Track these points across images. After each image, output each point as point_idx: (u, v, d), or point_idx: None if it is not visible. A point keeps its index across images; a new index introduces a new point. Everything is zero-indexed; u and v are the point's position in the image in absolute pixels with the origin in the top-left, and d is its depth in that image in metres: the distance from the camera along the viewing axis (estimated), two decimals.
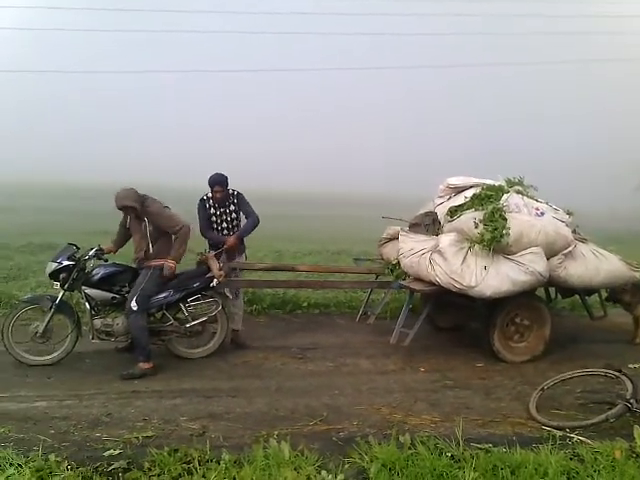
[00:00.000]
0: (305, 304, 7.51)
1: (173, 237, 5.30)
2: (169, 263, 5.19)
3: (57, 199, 27.32)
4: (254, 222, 5.92)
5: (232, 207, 5.93)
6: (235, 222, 5.98)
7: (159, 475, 3.24)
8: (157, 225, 5.23)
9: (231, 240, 5.78)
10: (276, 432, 3.82)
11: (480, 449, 3.61)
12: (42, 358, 5.14)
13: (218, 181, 5.79)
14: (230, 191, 5.90)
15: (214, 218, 5.93)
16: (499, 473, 3.34)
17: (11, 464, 3.22)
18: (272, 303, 7.43)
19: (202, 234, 5.95)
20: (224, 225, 5.94)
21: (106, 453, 3.45)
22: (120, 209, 5.26)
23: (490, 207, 5.38)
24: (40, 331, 5.09)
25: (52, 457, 3.30)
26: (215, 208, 5.91)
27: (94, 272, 5.20)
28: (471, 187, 6.06)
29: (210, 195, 5.88)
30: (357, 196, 34.75)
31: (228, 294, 5.74)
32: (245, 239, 6.10)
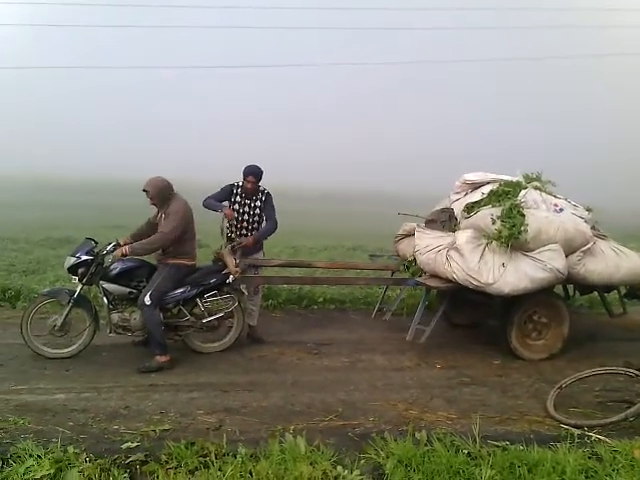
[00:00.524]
0: (321, 300, 7.52)
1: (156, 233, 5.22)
2: (118, 251, 5.10)
3: (74, 194, 27.58)
4: (272, 228, 5.91)
5: (258, 203, 5.91)
6: (256, 218, 5.94)
7: (176, 468, 3.26)
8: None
9: (249, 241, 5.76)
10: (292, 427, 3.83)
11: (497, 447, 3.59)
12: (60, 351, 5.20)
13: (253, 172, 5.78)
14: (261, 187, 5.90)
15: (237, 207, 5.90)
16: (516, 471, 3.32)
17: (30, 455, 3.25)
18: (288, 298, 7.45)
19: (203, 202, 5.83)
20: (245, 217, 5.92)
21: (124, 445, 3.47)
22: (151, 198, 5.23)
23: (508, 203, 5.33)
24: (58, 324, 5.14)
25: (71, 449, 3.32)
26: (242, 197, 5.89)
27: (112, 267, 5.23)
28: (488, 183, 6.02)
29: (241, 184, 5.87)
30: (372, 192, 34.67)
31: (244, 290, 5.76)
32: None
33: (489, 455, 3.45)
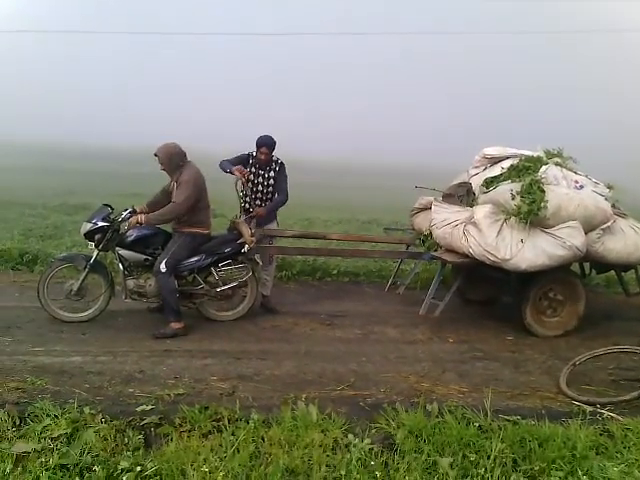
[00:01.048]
0: (335, 272, 7.52)
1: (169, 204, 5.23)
2: (134, 218, 5.12)
3: (89, 161, 27.67)
4: (282, 200, 5.91)
5: (272, 173, 5.88)
6: (270, 189, 5.92)
7: (189, 431, 3.32)
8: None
9: (260, 211, 5.77)
10: (304, 395, 3.86)
11: (508, 421, 3.60)
12: (76, 315, 5.27)
13: (266, 143, 5.74)
14: (274, 158, 5.87)
15: (252, 177, 5.89)
16: (527, 445, 3.34)
17: (48, 415, 3.32)
18: (302, 270, 7.46)
19: (220, 163, 5.80)
20: (259, 188, 5.91)
21: (139, 408, 3.52)
22: (161, 164, 5.21)
23: (528, 179, 5.25)
24: (75, 289, 5.20)
25: (87, 410, 3.39)
26: (256, 168, 5.88)
27: (128, 234, 5.25)
28: (508, 158, 5.92)
29: (255, 154, 5.85)
30: (388, 165, 34.37)
31: (258, 260, 5.77)
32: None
33: (500, 429, 3.47)
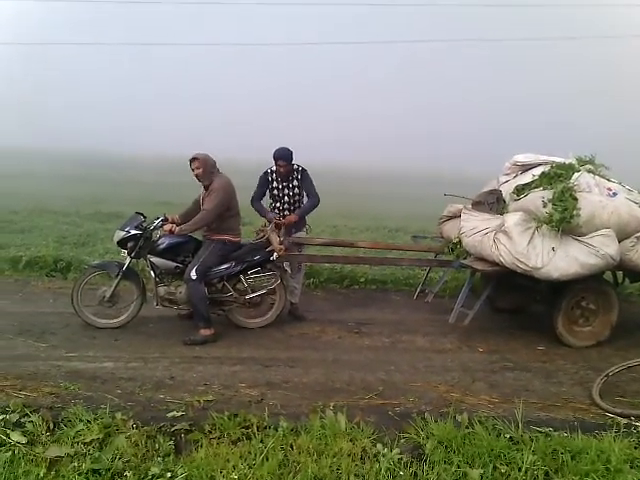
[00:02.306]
0: (362, 280, 7.51)
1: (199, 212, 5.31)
2: (168, 226, 5.22)
3: (121, 170, 28.17)
4: (314, 203, 5.91)
5: (295, 182, 5.91)
6: (297, 197, 5.96)
7: (219, 438, 3.35)
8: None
9: (291, 217, 5.79)
10: (332, 403, 3.86)
11: (540, 432, 3.55)
12: (109, 321, 5.36)
13: (282, 155, 5.77)
14: (295, 166, 5.89)
15: (276, 192, 5.94)
16: (559, 457, 3.28)
17: (80, 420, 3.38)
18: (329, 277, 7.47)
19: (251, 203, 5.98)
20: (286, 199, 5.95)
21: (169, 414, 3.57)
22: (197, 168, 5.26)
23: (560, 186, 5.16)
24: (107, 296, 5.30)
25: (119, 415, 3.44)
26: (278, 182, 5.92)
27: (160, 241, 5.34)
28: (539, 165, 5.84)
29: (274, 169, 5.89)
30: (415, 173, 34.24)
31: (287, 268, 5.80)
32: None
33: (531, 440, 3.41)
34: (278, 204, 5.97)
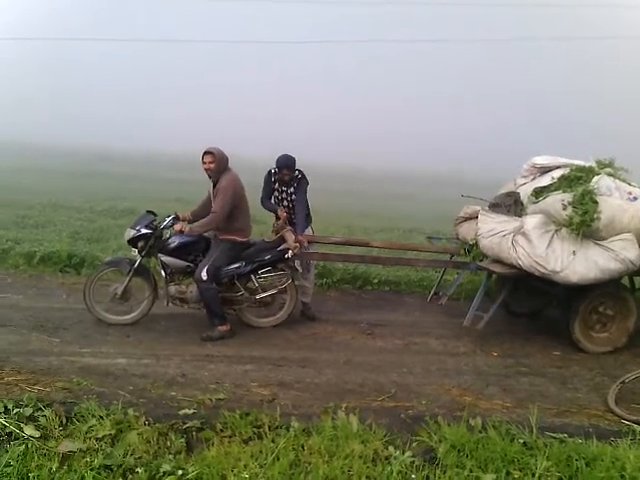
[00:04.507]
0: (375, 281, 7.46)
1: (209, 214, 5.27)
2: (179, 226, 5.20)
3: (134, 166, 28.32)
4: (307, 211, 5.91)
5: (292, 189, 5.91)
6: (295, 203, 5.93)
7: (230, 437, 3.33)
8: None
9: (305, 238, 5.69)
10: (344, 404, 3.81)
11: (554, 438, 3.50)
12: (121, 318, 5.37)
13: (287, 165, 5.75)
14: (296, 173, 5.86)
15: (276, 193, 5.97)
16: (573, 464, 3.22)
17: (93, 415, 3.37)
18: (342, 278, 7.44)
19: (261, 203, 5.99)
20: (284, 204, 5.96)
21: (181, 412, 3.55)
22: (210, 162, 5.23)
23: (580, 189, 5.09)
24: (119, 292, 5.30)
25: (131, 412, 3.43)
26: (279, 184, 5.93)
27: (170, 240, 5.33)
28: (558, 167, 5.76)
29: (277, 171, 5.87)
30: (430, 174, 34.10)
31: (298, 267, 5.78)
32: (312, 212, 6.11)
33: (546, 446, 3.36)
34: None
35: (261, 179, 6.01)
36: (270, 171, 5.95)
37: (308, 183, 5.93)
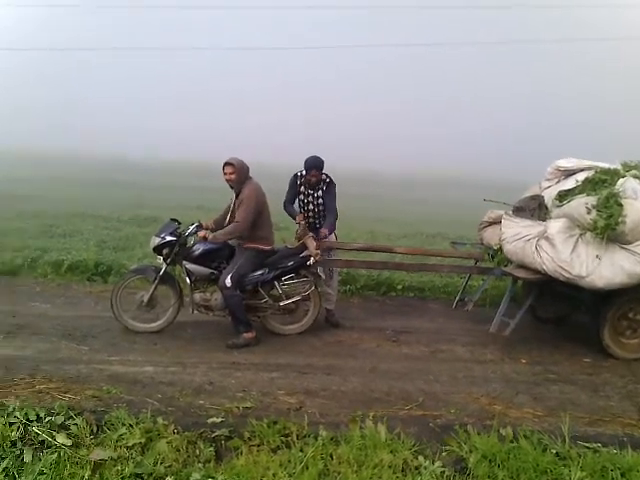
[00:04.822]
0: (399, 287, 7.42)
1: (232, 223, 5.28)
2: (202, 233, 5.23)
3: (157, 175, 28.58)
4: (334, 218, 5.87)
5: (320, 192, 5.88)
6: (321, 207, 5.92)
7: (259, 445, 3.33)
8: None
9: (325, 232, 5.73)
10: (372, 413, 3.80)
11: (587, 448, 3.45)
12: (147, 325, 5.41)
13: (315, 165, 5.73)
14: (323, 176, 5.86)
15: (302, 197, 5.94)
16: (608, 474, 3.18)
17: (123, 424, 3.40)
18: (366, 284, 7.41)
19: (284, 207, 5.99)
20: (310, 207, 5.93)
21: (209, 420, 3.56)
22: (231, 173, 5.25)
23: (605, 192, 5.00)
24: (146, 300, 5.34)
25: (160, 420, 3.45)
26: (305, 187, 5.90)
27: (194, 248, 5.37)
28: (582, 170, 5.69)
29: (304, 174, 5.87)
30: (452, 178, 33.92)
31: (321, 274, 5.77)
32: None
33: (579, 456, 3.32)
34: (302, 212, 5.96)
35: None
36: (296, 174, 5.95)
37: (336, 186, 5.92)
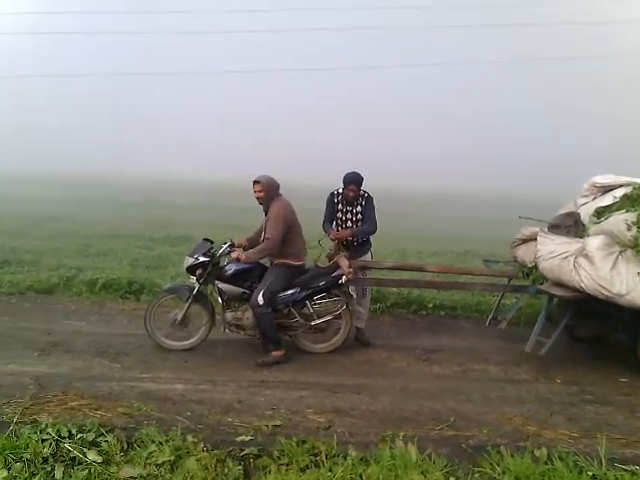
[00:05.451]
0: (430, 305, 7.32)
1: (263, 241, 5.31)
2: (235, 253, 5.25)
3: (188, 195, 29.03)
4: (372, 229, 5.82)
5: (359, 208, 5.86)
6: (359, 223, 5.89)
7: (288, 465, 3.31)
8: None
9: (343, 233, 5.74)
10: (402, 433, 3.75)
11: (625, 470, 3.33)
12: (179, 343, 5.47)
13: (354, 180, 5.72)
14: (361, 192, 5.86)
15: (340, 214, 5.92)
16: None
17: (152, 441, 3.43)
18: (396, 302, 7.34)
19: (322, 226, 5.97)
20: (348, 224, 5.90)
21: (238, 438, 3.57)
22: (260, 191, 5.29)
23: None
24: (179, 319, 5.40)
25: (189, 438, 3.47)
26: (343, 205, 5.90)
27: (227, 267, 5.42)
28: (620, 186, 5.57)
29: (341, 191, 5.87)
30: (484, 195, 33.59)
31: (352, 293, 5.75)
32: (371, 238, 6.05)
33: (616, 479, 3.21)
34: (340, 229, 5.94)
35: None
36: (332, 192, 5.95)
37: (374, 199, 5.91)
